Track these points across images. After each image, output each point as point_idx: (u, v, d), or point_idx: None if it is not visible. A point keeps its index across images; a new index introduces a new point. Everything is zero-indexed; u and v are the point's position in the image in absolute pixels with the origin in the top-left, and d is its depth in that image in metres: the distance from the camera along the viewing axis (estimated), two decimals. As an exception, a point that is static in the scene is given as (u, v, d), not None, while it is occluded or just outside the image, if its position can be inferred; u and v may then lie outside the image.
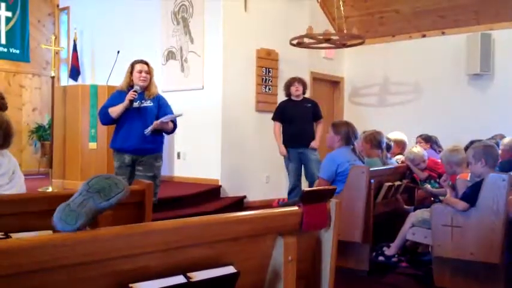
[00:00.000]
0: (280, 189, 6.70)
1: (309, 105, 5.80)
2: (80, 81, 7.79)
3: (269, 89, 6.84)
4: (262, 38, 6.78)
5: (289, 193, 5.81)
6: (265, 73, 6.82)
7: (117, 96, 4.11)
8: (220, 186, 6.32)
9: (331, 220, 1.83)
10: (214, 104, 6.38)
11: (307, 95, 7.59)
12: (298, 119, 5.66)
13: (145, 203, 2.22)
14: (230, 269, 1.47)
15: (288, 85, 5.80)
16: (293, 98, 5.78)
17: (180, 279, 1.36)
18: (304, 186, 6.00)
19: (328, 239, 1.83)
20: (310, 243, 1.82)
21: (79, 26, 8.03)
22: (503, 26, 6.90)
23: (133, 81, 4.09)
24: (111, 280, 1.29)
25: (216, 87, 6.39)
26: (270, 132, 6.55)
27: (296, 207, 1.71)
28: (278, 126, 5.78)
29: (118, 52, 5.79)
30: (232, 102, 6.44)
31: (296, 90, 5.72)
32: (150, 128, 4.00)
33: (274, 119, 5.84)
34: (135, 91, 3.99)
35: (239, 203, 6.33)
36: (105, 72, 6.07)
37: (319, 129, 5.82)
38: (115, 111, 4.01)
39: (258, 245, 1.59)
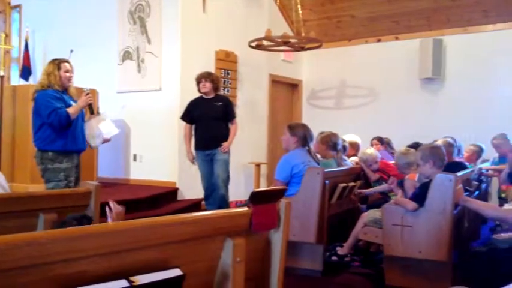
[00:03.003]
0: (239, 191, 6.69)
1: (220, 103, 5.27)
2: (31, 81, 7.52)
3: (228, 91, 6.83)
4: (221, 40, 6.76)
5: (206, 199, 5.43)
6: (224, 75, 6.80)
7: (58, 96, 3.93)
8: (178, 188, 6.25)
9: (281, 220, 1.83)
10: (172, 106, 6.30)
11: (265, 97, 7.70)
12: (206, 119, 5.20)
13: (93, 205, 2.16)
14: (176, 272, 1.44)
15: (197, 82, 5.31)
16: (203, 95, 5.30)
17: (122, 283, 1.32)
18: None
19: (277, 240, 1.83)
20: (259, 244, 1.82)
21: (31, 25, 7.76)
22: (454, 32, 7.17)
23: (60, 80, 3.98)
24: (51, 285, 1.25)
25: (173, 88, 6.32)
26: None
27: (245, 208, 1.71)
28: (188, 127, 5.33)
29: (71, 51, 5.60)
30: (191, 104, 6.37)
31: (203, 87, 5.23)
32: (99, 142, 4.15)
33: (182, 118, 5.38)
34: (88, 93, 3.96)
35: (197, 206, 6.27)
36: (57, 71, 5.88)
37: (233, 130, 5.31)
38: (74, 113, 3.91)
39: (206, 247, 1.58)
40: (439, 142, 4.82)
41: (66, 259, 1.25)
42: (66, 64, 4.00)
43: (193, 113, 5.30)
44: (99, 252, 1.30)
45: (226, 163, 5.27)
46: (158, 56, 6.39)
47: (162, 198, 5.90)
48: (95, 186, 2.15)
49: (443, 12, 6.99)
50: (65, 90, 4.02)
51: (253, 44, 6.13)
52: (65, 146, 3.95)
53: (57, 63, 3.97)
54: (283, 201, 1.83)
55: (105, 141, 4.22)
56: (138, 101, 6.55)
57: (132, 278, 1.35)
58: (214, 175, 5.25)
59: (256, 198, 1.74)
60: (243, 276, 1.64)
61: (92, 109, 4.08)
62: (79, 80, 4.61)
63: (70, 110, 3.88)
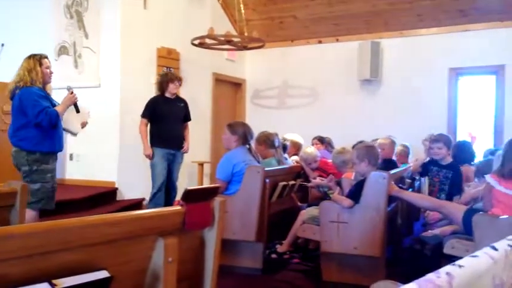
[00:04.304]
0: (181, 190, 6.59)
1: (182, 104, 5.43)
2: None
3: (170, 88, 6.72)
4: (163, 37, 6.66)
5: (152, 199, 5.32)
6: (166, 72, 6.69)
7: (44, 95, 3.80)
8: (117, 188, 6.08)
9: (215, 219, 1.82)
10: (112, 103, 6.13)
11: (208, 96, 7.66)
12: (170, 118, 5.27)
13: (20, 205, 2.05)
14: (103, 274, 1.40)
15: (167, 80, 5.30)
16: (167, 95, 5.33)
17: (44, 286, 1.26)
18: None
19: (211, 238, 1.82)
20: (193, 243, 1.80)
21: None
22: (391, 35, 7.45)
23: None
24: (-35, 290, 1.17)
25: (113, 85, 6.14)
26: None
27: (178, 207, 1.69)
28: (145, 123, 5.29)
29: (2, 45, 5.35)
30: (132, 102, 6.22)
31: (175, 87, 5.33)
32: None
33: (142, 115, 5.30)
34: (72, 91, 3.88)
35: (137, 206, 6.13)
36: (-13, 65, 5.57)
37: (188, 131, 5.51)
38: (62, 112, 3.82)
39: (136, 247, 1.54)
40: (381, 140, 5.00)
41: (-18, 263, 1.18)
42: (47, 60, 3.88)
43: (155, 112, 5.27)
44: (20, 254, 1.23)
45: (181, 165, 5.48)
46: (96, 51, 6.19)
47: (100, 199, 5.73)
48: (21, 186, 2.04)
49: (381, 16, 7.25)
50: (44, 87, 3.88)
51: (196, 42, 6.08)
52: (51, 147, 3.84)
53: (38, 58, 3.82)
54: (217, 200, 1.82)
55: (84, 124, 4.15)
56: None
57: (54, 281, 1.29)
58: (173, 176, 5.39)
59: (190, 197, 1.72)
60: (175, 277, 1.62)
61: (77, 108, 3.94)
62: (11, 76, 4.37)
63: (58, 109, 3.77)
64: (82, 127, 4.14)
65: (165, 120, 5.26)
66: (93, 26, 6.22)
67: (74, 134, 4.18)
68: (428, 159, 4.72)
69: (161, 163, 5.27)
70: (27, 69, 3.76)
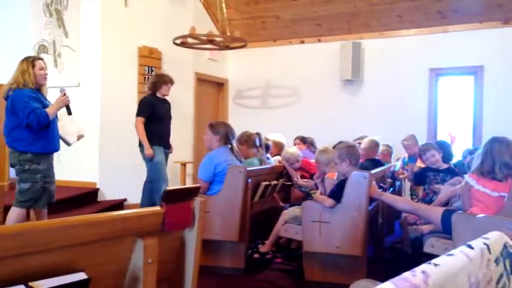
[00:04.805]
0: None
1: (169, 106, 5.54)
2: None
3: (152, 88, 6.67)
4: (144, 36, 6.60)
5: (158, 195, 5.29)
6: (148, 72, 6.64)
7: (35, 96, 3.83)
8: (98, 189, 6.02)
9: (196, 219, 1.81)
10: (92, 103, 6.06)
11: (190, 95, 7.62)
12: (166, 119, 5.41)
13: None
14: (80, 276, 1.38)
15: (162, 82, 5.36)
16: (158, 95, 5.38)
17: (20, 289, 1.24)
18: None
19: (192, 239, 1.81)
20: (173, 243, 1.78)
21: None
22: (371, 36, 7.51)
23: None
24: None
25: (93, 84, 6.07)
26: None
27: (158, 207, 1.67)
28: (144, 122, 5.22)
29: (-21, 43, 5.23)
30: (112, 101, 6.16)
31: (168, 90, 5.41)
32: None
33: (142, 115, 5.22)
34: (65, 93, 3.93)
35: (118, 206, 6.07)
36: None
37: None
38: (52, 114, 3.85)
39: (115, 249, 1.52)
40: (367, 140, 5.03)
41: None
42: (41, 61, 3.93)
43: (154, 111, 5.27)
44: (-6, 257, 1.21)
45: None
46: (76, 50, 6.11)
47: (81, 200, 5.66)
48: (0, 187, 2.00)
49: (362, 16, 7.30)
50: (38, 88, 3.94)
51: (178, 42, 6.04)
52: (44, 148, 3.89)
53: (31, 60, 3.88)
54: (197, 200, 1.81)
55: (80, 137, 4.34)
56: (55, 97, 6.19)
57: (31, 284, 1.28)
58: None
59: (170, 197, 1.71)
60: (154, 278, 1.60)
61: (69, 110, 4.01)
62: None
63: (49, 111, 3.81)
64: (78, 139, 4.32)
65: (161, 119, 5.33)
66: (73, 25, 6.14)
67: (69, 144, 4.29)
68: (414, 169, 4.74)
69: (162, 162, 5.31)
70: (21, 71, 3.84)
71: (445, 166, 4.35)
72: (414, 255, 3.95)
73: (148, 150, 5.17)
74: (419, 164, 5.15)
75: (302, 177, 4.68)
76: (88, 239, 1.39)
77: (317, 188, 3.80)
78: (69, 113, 4.02)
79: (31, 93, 3.81)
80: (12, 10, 6.56)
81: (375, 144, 4.99)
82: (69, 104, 3.97)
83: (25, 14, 6.45)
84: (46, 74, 3.97)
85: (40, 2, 6.33)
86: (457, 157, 5.13)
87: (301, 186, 4.63)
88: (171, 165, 6.96)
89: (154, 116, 5.26)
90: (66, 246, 1.35)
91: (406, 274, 0.83)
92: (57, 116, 4.02)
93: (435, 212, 3.15)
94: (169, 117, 5.51)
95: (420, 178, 4.51)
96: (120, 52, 6.27)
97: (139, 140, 5.26)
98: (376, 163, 4.65)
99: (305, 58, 7.93)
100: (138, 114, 5.25)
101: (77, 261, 1.39)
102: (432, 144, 4.56)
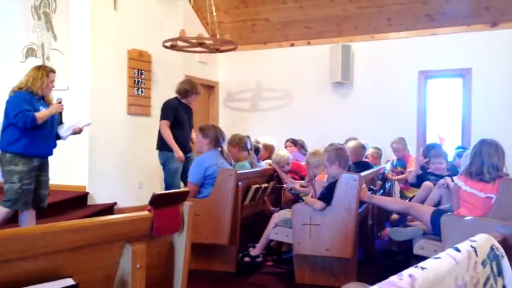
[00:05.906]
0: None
1: (191, 113, 5.57)
2: None
3: (142, 91, 6.64)
4: (134, 39, 6.56)
5: None
6: (138, 75, 6.61)
7: (28, 99, 3.89)
8: (88, 193, 5.97)
9: (185, 223, 1.80)
10: (81, 106, 6.00)
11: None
12: (188, 124, 5.43)
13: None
14: (68, 282, 1.37)
15: (194, 92, 5.42)
16: (183, 101, 5.42)
17: (6, 296, 1.23)
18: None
19: (181, 243, 1.81)
20: (162, 248, 1.78)
21: None
22: (361, 39, 7.55)
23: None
24: None
25: (83, 88, 6.02)
26: (142, 135, 6.37)
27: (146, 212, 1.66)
28: (169, 126, 5.21)
29: (-34, 46, 5.18)
30: (102, 104, 6.12)
31: (194, 100, 5.51)
32: (69, 133, 4.25)
33: (167, 118, 5.22)
34: (60, 102, 4.00)
35: (109, 210, 6.03)
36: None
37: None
38: (41, 118, 3.89)
39: (103, 254, 1.51)
40: (353, 143, 5.05)
41: None
42: (54, 74, 4.08)
43: (178, 116, 5.29)
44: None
45: None
46: (65, 53, 6.07)
47: (71, 204, 5.61)
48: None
49: (351, 19, 7.34)
50: (42, 97, 4.05)
51: (168, 44, 6.02)
52: (23, 149, 3.91)
53: (48, 70, 4.02)
54: (186, 204, 1.80)
55: (76, 131, 4.32)
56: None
57: (17, 291, 1.26)
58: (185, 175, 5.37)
59: (158, 201, 1.70)
60: (143, 283, 1.60)
61: (61, 118, 4.15)
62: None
63: (38, 115, 3.87)
64: (73, 133, 4.33)
65: (182, 125, 5.32)
66: (61, 28, 6.09)
67: (61, 138, 4.34)
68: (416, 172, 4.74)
69: (180, 168, 5.28)
70: (33, 78, 3.95)
71: (446, 173, 4.38)
72: (402, 253, 3.97)
73: (177, 153, 5.14)
74: (411, 168, 5.20)
75: (292, 179, 4.68)
76: (75, 244, 1.38)
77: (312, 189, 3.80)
78: (60, 121, 4.14)
79: (26, 96, 3.89)
80: (0, 13, 6.50)
81: (360, 147, 5.00)
82: (62, 112, 4.08)
83: (13, 16, 6.39)
84: (53, 87, 4.11)
85: (28, 4, 6.27)
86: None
87: (292, 189, 4.63)
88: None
89: (176, 120, 5.25)
90: (52, 252, 1.34)
91: (393, 278, 0.83)
92: (53, 123, 4.09)
93: (425, 211, 3.18)
94: (191, 126, 5.50)
95: (420, 181, 4.53)
96: (109, 55, 6.23)
97: (158, 143, 5.31)
98: (364, 166, 4.66)
99: (295, 61, 7.95)
100: (163, 118, 5.26)
101: (64, 267, 1.38)
102: (443, 152, 4.59)
